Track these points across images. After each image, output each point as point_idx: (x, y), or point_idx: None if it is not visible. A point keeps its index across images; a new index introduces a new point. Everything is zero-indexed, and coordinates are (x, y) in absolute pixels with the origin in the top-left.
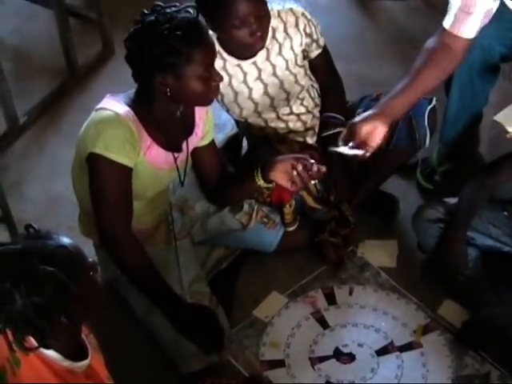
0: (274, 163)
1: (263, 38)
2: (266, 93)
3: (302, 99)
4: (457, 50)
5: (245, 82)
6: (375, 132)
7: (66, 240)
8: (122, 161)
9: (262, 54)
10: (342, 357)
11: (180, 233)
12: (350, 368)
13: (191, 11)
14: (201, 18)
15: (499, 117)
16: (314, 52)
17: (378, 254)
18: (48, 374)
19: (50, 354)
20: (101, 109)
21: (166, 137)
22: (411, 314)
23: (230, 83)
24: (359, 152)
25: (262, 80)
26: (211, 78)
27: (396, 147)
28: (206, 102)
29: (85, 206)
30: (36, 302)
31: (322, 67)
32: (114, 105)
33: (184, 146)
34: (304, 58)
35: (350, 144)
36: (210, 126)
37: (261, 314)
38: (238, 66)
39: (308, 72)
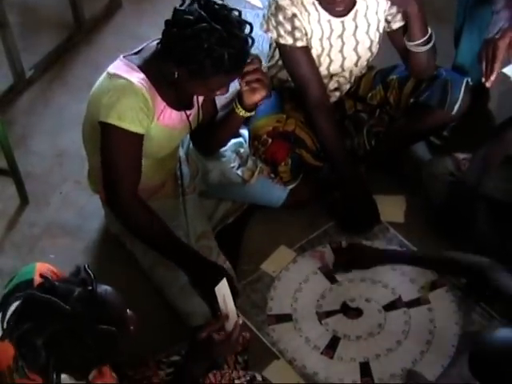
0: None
1: (343, 2)
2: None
3: (363, 68)
4: None
5: (329, 38)
6: None
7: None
8: (135, 129)
9: (351, 13)
10: (350, 312)
11: (189, 187)
12: (357, 323)
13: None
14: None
15: (507, 70)
16: (397, 23)
17: (386, 209)
18: None
19: None
20: (115, 75)
21: (177, 95)
22: (419, 269)
23: (321, 38)
24: None
25: (342, 39)
26: (218, 90)
27: (426, 103)
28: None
29: (94, 163)
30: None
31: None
32: (128, 72)
33: (194, 100)
34: (387, 24)
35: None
36: None
37: (269, 268)
38: (329, 21)
39: (379, 41)
